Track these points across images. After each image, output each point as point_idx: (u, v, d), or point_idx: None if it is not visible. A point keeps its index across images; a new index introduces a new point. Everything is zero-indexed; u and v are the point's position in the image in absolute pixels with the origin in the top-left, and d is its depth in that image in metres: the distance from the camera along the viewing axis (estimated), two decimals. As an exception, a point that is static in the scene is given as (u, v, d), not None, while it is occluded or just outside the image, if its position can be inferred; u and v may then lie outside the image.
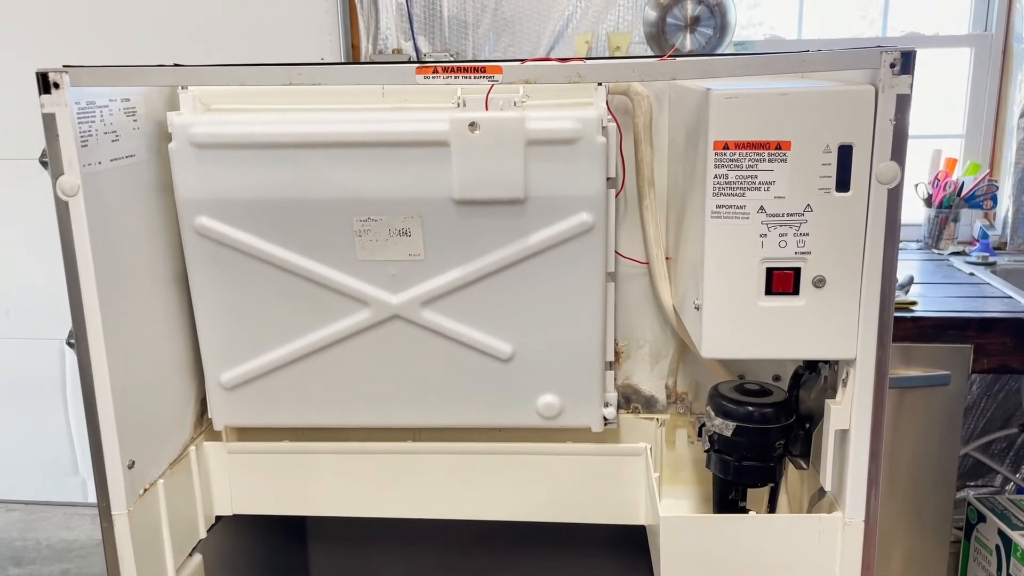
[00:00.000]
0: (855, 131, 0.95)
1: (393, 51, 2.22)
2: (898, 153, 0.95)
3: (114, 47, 2.24)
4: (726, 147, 0.98)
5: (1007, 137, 2.17)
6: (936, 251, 2.12)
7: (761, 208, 0.99)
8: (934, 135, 2.22)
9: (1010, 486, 2.21)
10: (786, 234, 0.99)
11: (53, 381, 2.50)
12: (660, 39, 2.03)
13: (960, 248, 2.11)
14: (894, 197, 0.97)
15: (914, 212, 2.16)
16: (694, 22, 2.00)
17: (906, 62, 0.93)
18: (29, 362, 2.49)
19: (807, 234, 0.99)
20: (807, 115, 0.96)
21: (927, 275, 1.92)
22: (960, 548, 1.92)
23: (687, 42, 2.01)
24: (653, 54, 2.03)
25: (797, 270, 1.01)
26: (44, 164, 1.04)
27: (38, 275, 2.37)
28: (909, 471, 1.68)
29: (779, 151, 0.97)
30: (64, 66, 1.01)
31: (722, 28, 2.00)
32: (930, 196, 2.14)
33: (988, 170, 2.17)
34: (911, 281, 1.77)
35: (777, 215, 0.99)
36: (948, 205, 2.11)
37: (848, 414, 1.04)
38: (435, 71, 0.99)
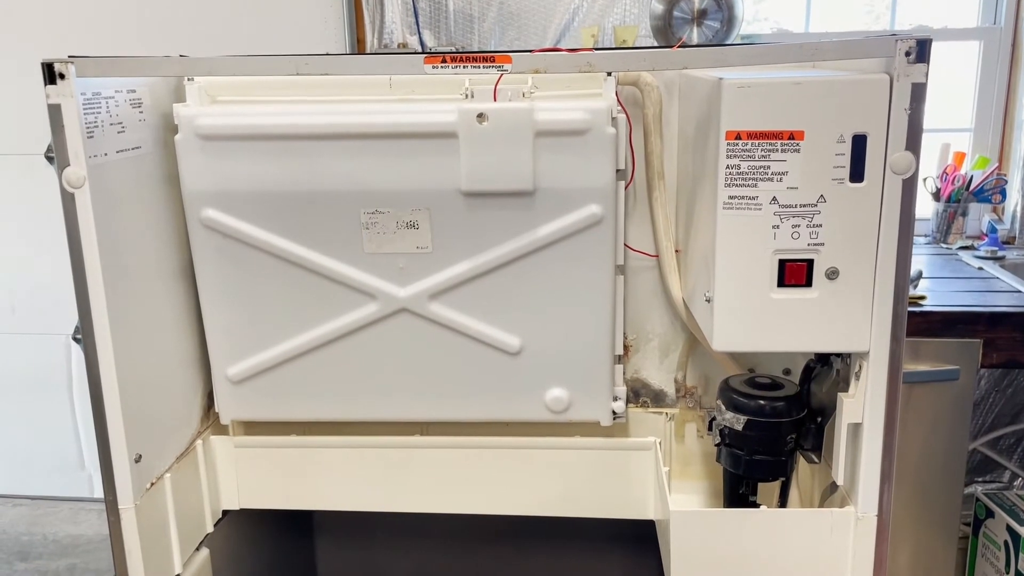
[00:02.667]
0: (869, 121, 0.94)
1: (399, 45, 2.21)
2: (913, 143, 0.94)
3: (118, 44, 2.24)
4: (738, 137, 0.96)
5: (1016, 131, 2.16)
6: (944, 245, 2.11)
7: (774, 199, 0.98)
8: (943, 129, 2.21)
9: (1018, 482, 2.20)
10: (799, 225, 0.98)
11: (59, 376, 2.50)
12: (667, 32, 2.02)
13: (968, 242, 2.10)
14: (908, 187, 0.96)
15: (922, 206, 2.14)
16: (701, 15, 1.99)
17: (921, 50, 0.91)
18: (35, 358, 2.48)
19: (820, 225, 0.98)
20: (821, 105, 0.94)
21: (935, 270, 1.91)
22: (968, 544, 1.91)
23: (694, 35, 2.00)
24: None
25: (810, 262, 0.99)
26: (50, 159, 1.04)
27: (44, 271, 2.37)
28: (917, 467, 1.67)
29: (792, 141, 0.96)
30: (70, 56, 1.00)
31: (729, 21, 1.99)
32: (938, 190, 2.12)
33: (997, 164, 2.16)
34: (920, 276, 1.76)
35: (790, 206, 0.98)
36: (956, 199, 2.10)
37: (861, 407, 1.04)
38: (444, 60, 0.98)
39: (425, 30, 2.19)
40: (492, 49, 2.19)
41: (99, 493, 2.54)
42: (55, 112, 1.00)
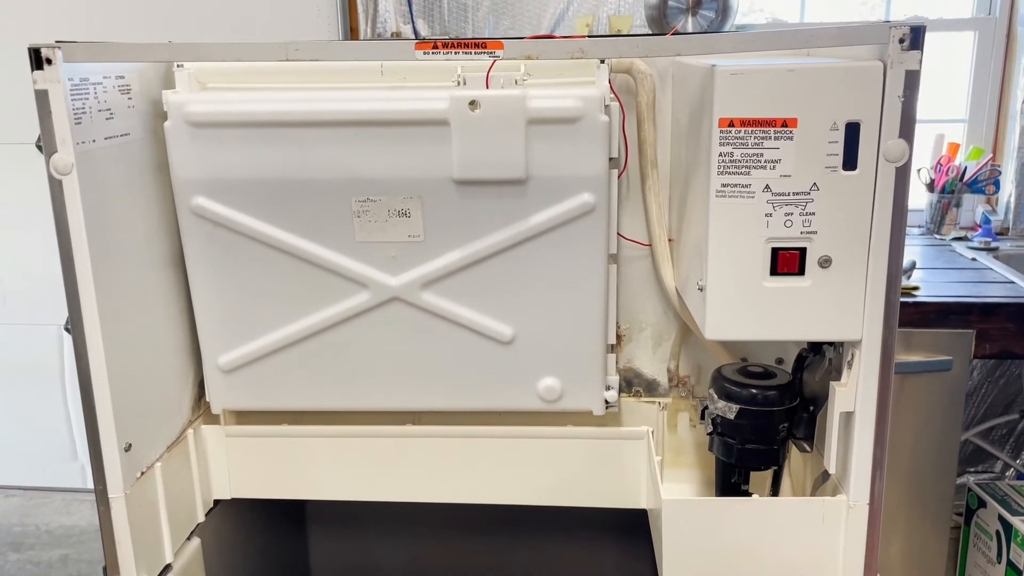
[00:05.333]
0: (863, 108, 0.94)
1: (392, 34, 2.20)
2: (906, 130, 0.94)
3: (108, 31, 2.22)
4: (731, 124, 0.96)
5: (1010, 122, 2.16)
6: (938, 236, 2.11)
7: (767, 187, 0.98)
8: (937, 120, 2.21)
9: (1010, 472, 2.21)
10: (792, 213, 0.98)
11: (51, 367, 2.49)
12: (662, 22, 2.01)
13: (962, 233, 2.10)
14: (902, 175, 0.95)
15: (916, 197, 2.15)
16: (696, 5, 1.98)
17: (915, 37, 0.91)
18: (27, 348, 2.47)
19: (813, 213, 0.98)
20: (814, 92, 0.94)
21: (929, 260, 1.91)
22: (960, 534, 1.92)
23: (688, 25, 2.00)
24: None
25: (803, 250, 0.99)
26: (41, 148, 1.03)
27: (35, 261, 2.36)
28: (910, 457, 1.67)
29: (785, 128, 0.95)
30: (57, 41, 0.99)
31: (724, 11, 1.98)
32: (932, 181, 2.12)
33: (991, 155, 2.16)
34: (913, 266, 1.76)
35: (783, 194, 0.98)
36: (950, 190, 2.10)
37: (853, 396, 1.03)
38: (435, 47, 0.97)
39: (419, 19, 2.18)
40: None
41: (92, 484, 2.54)
42: (42, 98, 0.99)
